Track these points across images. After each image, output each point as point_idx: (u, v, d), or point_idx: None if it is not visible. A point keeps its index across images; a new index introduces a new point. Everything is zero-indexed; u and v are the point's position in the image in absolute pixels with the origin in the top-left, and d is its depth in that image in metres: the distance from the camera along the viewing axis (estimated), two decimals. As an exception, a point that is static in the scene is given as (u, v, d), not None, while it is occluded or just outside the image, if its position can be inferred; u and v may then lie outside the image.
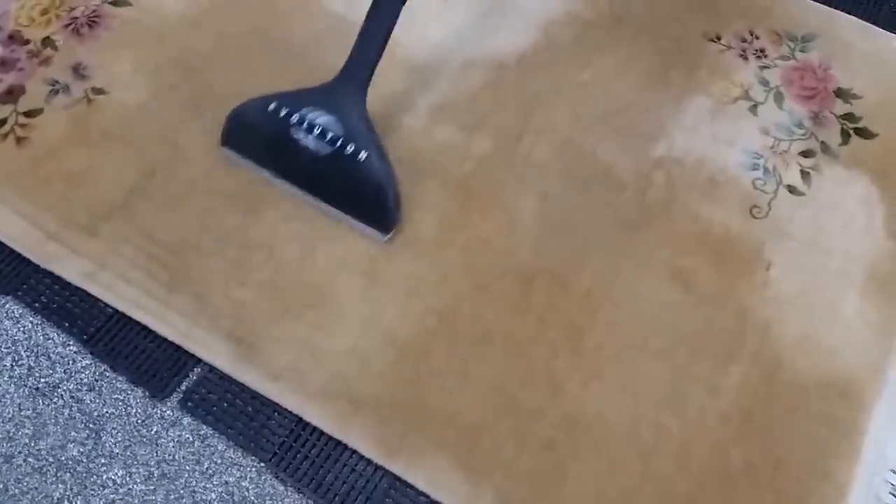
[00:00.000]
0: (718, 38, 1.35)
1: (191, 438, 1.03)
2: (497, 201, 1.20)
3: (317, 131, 1.15)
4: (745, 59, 1.33)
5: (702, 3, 1.40)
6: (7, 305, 1.13)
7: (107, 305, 1.11)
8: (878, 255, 1.15)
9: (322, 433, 1.02)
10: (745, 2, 1.41)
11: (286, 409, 1.03)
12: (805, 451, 1.00)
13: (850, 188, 1.20)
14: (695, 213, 1.18)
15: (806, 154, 1.23)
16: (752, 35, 1.36)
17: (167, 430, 1.03)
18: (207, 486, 1.00)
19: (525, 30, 1.38)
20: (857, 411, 1.03)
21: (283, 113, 1.17)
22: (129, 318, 1.10)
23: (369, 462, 1.00)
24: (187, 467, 1.01)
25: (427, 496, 0.98)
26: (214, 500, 0.99)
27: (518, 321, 1.10)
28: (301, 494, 0.99)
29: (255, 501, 0.99)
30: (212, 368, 1.07)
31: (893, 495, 0.97)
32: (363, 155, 1.14)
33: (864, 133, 1.25)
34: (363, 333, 1.09)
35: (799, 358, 1.07)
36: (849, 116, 1.27)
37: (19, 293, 1.13)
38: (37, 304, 1.12)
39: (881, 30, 1.39)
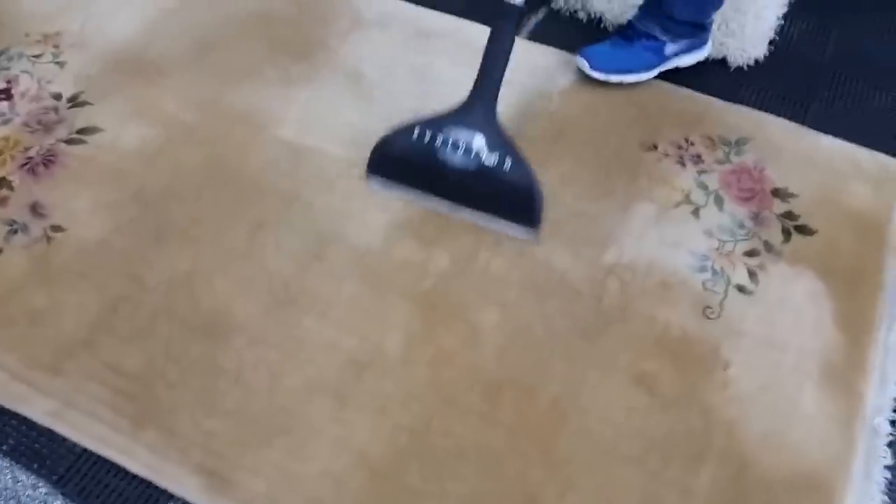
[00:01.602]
0: (655, 147, 1.48)
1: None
2: (459, 315, 1.27)
3: (462, 149, 1.32)
4: (683, 165, 1.45)
5: (636, 115, 1.53)
6: (-28, 451, 1.15)
7: (75, 444, 1.14)
8: (831, 348, 1.23)
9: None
10: (677, 111, 1.54)
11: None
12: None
13: (796, 285, 1.30)
14: (650, 317, 1.26)
15: (750, 254, 1.33)
16: (687, 142, 1.49)
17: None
18: None
19: None
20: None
21: (427, 137, 1.34)
22: (99, 456, 1.13)
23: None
24: None
25: None
26: None
27: (489, 433, 1.15)
28: None
29: None
30: (185, 502, 1.10)
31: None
32: (508, 163, 1.31)
33: (803, 230, 1.36)
34: (336, 455, 1.13)
35: (765, 456, 1.13)
36: (788, 215, 1.38)
37: (-15, 435, 1.16)
38: (4, 447, 1.14)
39: (809, 129, 1.53)
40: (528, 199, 1.33)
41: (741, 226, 1.37)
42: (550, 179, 1.40)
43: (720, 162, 1.46)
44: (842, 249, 1.34)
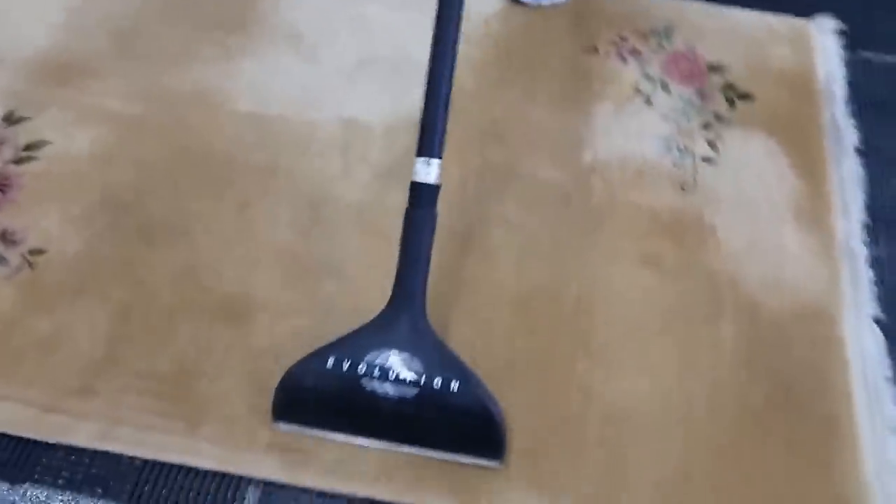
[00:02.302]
0: (596, 50, 1.56)
1: (273, 554, 1.07)
2: (467, 244, 1.32)
3: (392, 375, 1.07)
4: (625, 61, 1.55)
5: (572, 24, 1.60)
6: (28, 493, 1.10)
7: (133, 458, 1.13)
8: (796, 193, 1.38)
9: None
10: (608, 14, 1.63)
11: (354, 496, 1.10)
12: (806, 372, 1.19)
13: (751, 146, 1.43)
14: (637, 204, 1.36)
15: (705, 127, 1.45)
16: (622, 39, 1.58)
17: (246, 555, 1.06)
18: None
19: None
20: (832, 326, 1.24)
21: (346, 366, 1.08)
22: (163, 463, 1.13)
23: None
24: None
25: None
26: None
27: (529, 342, 1.22)
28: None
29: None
30: (266, 483, 1.11)
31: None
32: (454, 385, 1.07)
33: (744, 97, 1.49)
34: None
35: (769, 299, 1.26)
36: (727, 86, 1.51)
37: (36, 476, 1.11)
38: (60, 481, 1.11)
39: (723, 6, 1.66)
40: (487, 424, 1.09)
41: (690, 104, 1.48)
42: (514, 98, 1.47)
43: (655, 51, 1.56)
44: (781, 107, 1.48)
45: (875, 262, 1.31)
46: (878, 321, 1.25)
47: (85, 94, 1.47)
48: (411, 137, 1.41)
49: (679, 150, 1.42)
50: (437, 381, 1.07)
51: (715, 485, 1.09)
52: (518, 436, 1.13)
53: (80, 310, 1.24)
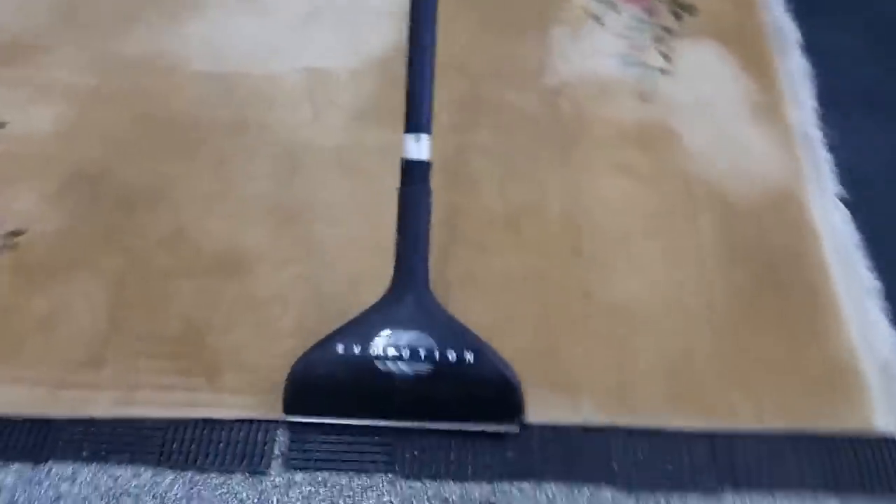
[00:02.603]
0: (545, -24, 1.61)
1: (313, 489, 1.08)
2: (451, 171, 1.35)
3: (406, 354, 1.07)
4: (572, -15, 1.61)
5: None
6: (53, 471, 1.09)
7: (156, 420, 1.13)
8: (750, 91, 1.46)
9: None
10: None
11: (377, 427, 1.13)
12: (783, 251, 1.27)
13: (703, 54, 1.51)
14: (605, 118, 1.42)
15: (657, 40, 1.52)
16: (567, -35, 1.63)
17: (287, 494, 1.08)
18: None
19: (388, 26, 1.54)
20: (800, 207, 1.32)
21: (357, 350, 1.08)
22: (186, 421, 1.13)
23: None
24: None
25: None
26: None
27: (524, 257, 1.26)
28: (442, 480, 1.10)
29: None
30: (294, 422, 1.13)
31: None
32: (469, 356, 1.07)
33: (689, 10, 1.57)
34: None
35: (740, 191, 1.34)
36: (672, 1, 1.58)
37: (58, 453, 1.10)
38: (84, 454, 1.10)
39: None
40: (506, 391, 1.10)
41: (640, 21, 1.54)
42: (472, 27, 1.50)
43: (600, -27, 1.63)
44: (724, 16, 1.57)
45: (830, 145, 1.41)
46: (840, 198, 1.34)
47: (36, 71, 1.44)
48: (377, 79, 1.46)
49: (636, 64, 1.48)
50: (452, 355, 1.07)
51: (717, 361, 1.17)
52: (533, 342, 1.18)
53: (73, 284, 1.22)
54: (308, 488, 1.09)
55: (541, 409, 1.13)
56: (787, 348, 1.18)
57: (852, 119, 1.45)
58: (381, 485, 1.09)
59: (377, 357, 1.07)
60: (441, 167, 1.32)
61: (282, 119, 1.40)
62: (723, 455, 1.11)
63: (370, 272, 1.22)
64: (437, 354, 1.07)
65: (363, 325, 1.10)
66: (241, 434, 1.12)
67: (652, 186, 1.34)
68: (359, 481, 1.09)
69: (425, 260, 1.12)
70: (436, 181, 1.18)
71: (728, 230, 1.30)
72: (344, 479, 1.10)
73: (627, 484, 1.09)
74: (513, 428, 1.12)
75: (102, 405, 1.12)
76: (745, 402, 1.14)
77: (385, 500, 1.08)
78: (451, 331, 1.10)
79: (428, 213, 1.13)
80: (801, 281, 1.25)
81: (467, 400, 1.10)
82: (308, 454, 1.11)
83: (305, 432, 1.12)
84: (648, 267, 1.26)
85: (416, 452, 1.11)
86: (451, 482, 1.09)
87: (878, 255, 1.28)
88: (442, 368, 1.07)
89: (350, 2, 1.56)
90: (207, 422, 1.12)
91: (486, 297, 1.22)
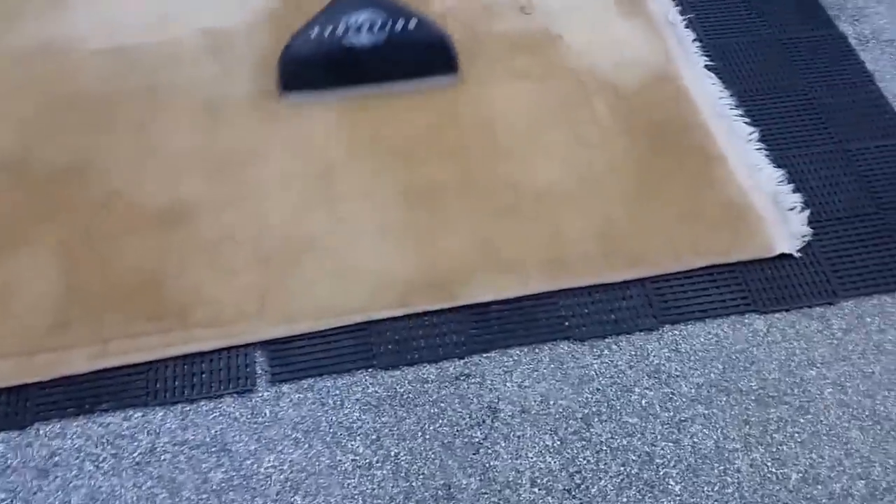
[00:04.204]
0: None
1: (301, 395, 1.16)
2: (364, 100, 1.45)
3: (366, 28, 1.35)
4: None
5: None
6: (41, 431, 1.12)
7: (135, 365, 1.17)
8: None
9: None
10: None
11: (356, 325, 1.21)
12: (670, 120, 1.44)
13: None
14: (495, 33, 1.55)
15: (522, -41, 1.66)
16: None
17: (278, 404, 1.15)
18: (349, 412, 1.15)
19: None
20: (676, 81, 1.49)
21: (328, 31, 1.35)
22: (164, 361, 1.18)
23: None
24: (323, 417, 1.14)
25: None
26: (355, 422, 1.15)
27: (454, 166, 1.37)
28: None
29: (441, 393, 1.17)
30: (267, 342, 1.20)
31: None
32: (412, 22, 1.37)
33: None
34: (358, 244, 1.29)
35: (623, 77, 1.50)
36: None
37: (41, 414, 1.13)
38: (70, 409, 1.14)
39: None
40: (443, 47, 1.43)
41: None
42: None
43: None
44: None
45: (690, 24, 1.59)
46: (708, 66, 1.53)
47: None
48: (271, 31, 1.53)
49: (509, -18, 1.63)
50: (399, 24, 1.37)
51: (634, 220, 1.32)
52: (474, 235, 1.30)
53: (20, 259, 1.24)
54: (297, 395, 1.17)
55: (494, 289, 1.25)
56: (690, 199, 1.35)
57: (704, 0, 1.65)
58: (364, 379, 1.18)
59: (343, 35, 1.36)
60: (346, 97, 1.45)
61: (191, 78, 1.46)
62: (655, 297, 1.26)
63: (308, 201, 1.33)
64: (388, 25, 1.37)
65: (329, 13, 1.37)
66: (222, 362, 1.19)
67: (548, 84, 1.48)
68: (342, 380, 1.18)
69: None
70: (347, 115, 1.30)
71: (620, 110, 1.45)
72: (329, 382, 1.18)
73: (580, 336, 1.22)
74: (454, 78, 1.45)
75: (78, 362, 1.16)
76: (664, 248, 1.29)
77: (370, 391, 1.17)
78: (393, 6, 1.39)
79: None
80: (689, 142, 1.42)
81: (416, 58, 1.41)
82: (290, 366, 1.18)
83: (283, 349, 1.20)
84: (560, 152, 1.40)
85: (389, 346, 1.21)
86: (427, 364, 1.20)
87: (748, 108, 1.47)
88: (393, 36, 1.37)
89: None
90: (187, 357, 1.18)
91: (424, 203, 1.33)
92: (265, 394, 1.17)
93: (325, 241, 1.29)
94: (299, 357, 1.20)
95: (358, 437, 1.13)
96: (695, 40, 1.56)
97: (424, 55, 1.42)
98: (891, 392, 1.18)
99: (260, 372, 1.19)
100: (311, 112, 1.43)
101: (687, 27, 1.58)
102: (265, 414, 1.15)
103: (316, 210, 1.32)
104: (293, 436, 1.13)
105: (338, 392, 1.18)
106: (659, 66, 1.52)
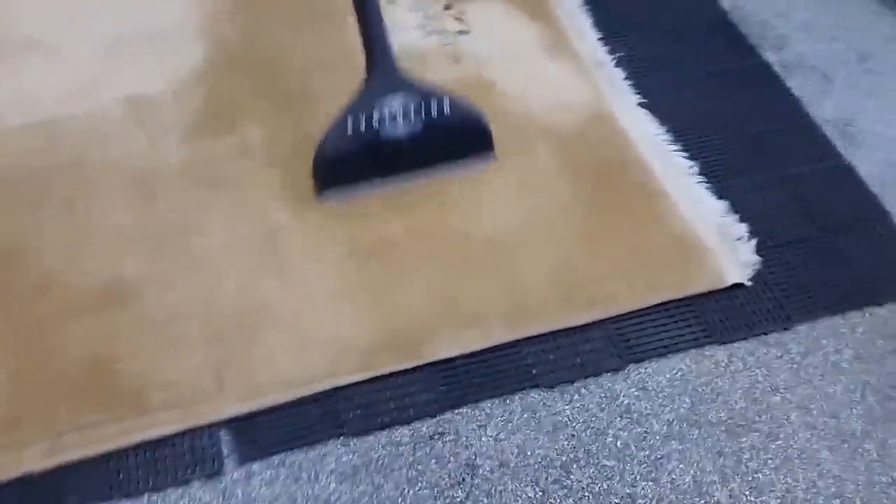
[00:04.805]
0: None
1: (273, 472, 1.16)
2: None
3: (401, 116, 1.35)
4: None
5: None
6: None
7: (92, 458, 1.16)
8: (540, 34, 1.71)
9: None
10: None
11: (320, 393, 1.23)
12: (610, 160, 1.52)
13: (491, 12, 1.74)
14: (432, 81, 1.60)
15: (447, 8, 1.73)
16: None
17: (249, 484, 1.15)
18: (324, 485, 1.15)
19: (189, 45, 1.65)
20: (612, 121, 1.57)
21: (363, 124, 1.35)
22: (124, 448, 1.17)
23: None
24: (298, 493, 1.15)
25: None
26: None
27: (407, 220, 1.41)
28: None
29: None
30: (230, 419, 1.20)
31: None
32: (447, 105, 1.38)
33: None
34: (316, 303, 1.31)
35: (560, 120, 1.58)
36: (449, -27, 1.81)
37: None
38: (28, 510, 1.12)
39: None
40: (480, 127, 1.44)
41: (425, -7, 1.77)
42: (281, 42, 1.64)
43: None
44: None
45: (619, 63, 1.69)
46: (641, 104, 1.62)
47: None
48: (202, 95, 1.55)
49: (436, 32, 1.68)
50: (434, 108, 1.37)
51: (586, 261, 1.38)
52: (431, 291, 1.34)
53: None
54: (268, 473, 1.17)
55: (457, 344, 1.29)
56: (638, 236, 1.42)
57: (629, 38, 1.74)
58: (336, 448, 1.20)
59: (378, 125, 1.35)
60: (289, 155, 1.47)
61: (119, 149, 1.46)
62: (617, 337, 1.32)
63: (256, 268, 1.35)
64: (423, 109, 1.37)
65: (361, 103, 1.37)
66: (186, 445, 1.18)
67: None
68: (314, 452, 1.19)
69: (388, 43, 1.41)
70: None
71: (561, 153, 1.52)
72: (300, 455, 1.19)
73: (548, 382, 1.27)
74: (492, 156, 1.46)
75: (33, 460, 1.14)
76: (619, 287, 1.36)
77: (344, 460, 1.19)
78: (425, 89, 1.40)
79: (378, 10, 1.43)
80: (631, 180, 1.50)
81: (456, 141, 1.43)
82: (258, 443, 1.19)
83: (248, 426, 1.20)
84: (507, 199, 1.46)
85: (358, 411, 1.23)
86: (399, 426, 1.22)
87: (684, 142, 1.57)
88: (430, 121, 1.38)
89: (143, 30, 1.65)
90: (149, 444, 1.18)
91: (375, 260, 1.36)
92: (235, 474, 1.17)
93: (278, 309, 1.30)
94: (266, 432, 1.20)
95: (337, 513, 1.16)
96: (625, 79, 1.65)
97: (463, 137, 1.44)
98: (853, 409, 1.27)
99: (227, 452, 1.18)
100: (251, 175, 1.45)
101: (616, 66, 1.67)
102: (237, 496, 1.15)
103: (265, 278, 1.33)
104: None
105: (310, 464, 1.18)
106: (593, 107, 1.60)
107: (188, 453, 1.17)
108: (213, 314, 1.29)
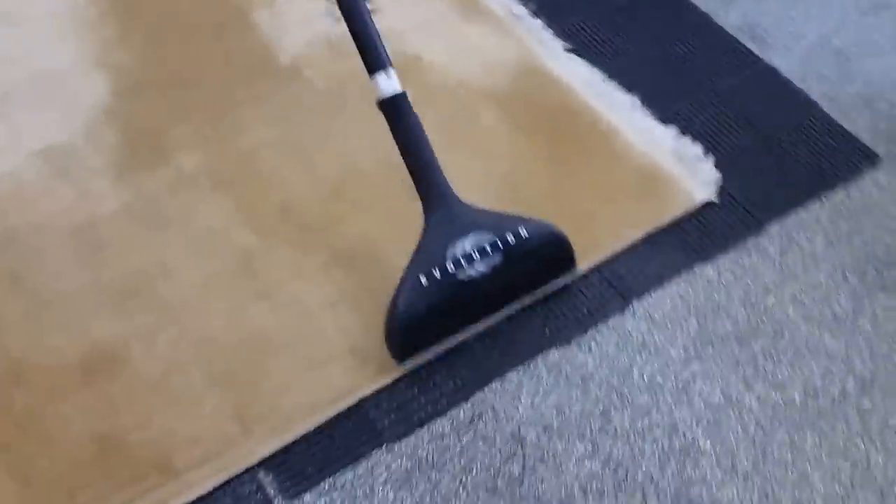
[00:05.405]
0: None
1: (327, 499, 1.17)
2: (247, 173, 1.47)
3: (476, 255, 1.25)
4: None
5: None
6: None
7: None
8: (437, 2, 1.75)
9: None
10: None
11: (349, 409, 1.25)
12: (553, 109, 1.58)
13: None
14: (352, 71, 1.49)
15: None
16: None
17: None
18: (383, 496, 1.18)
19: (87, 81, 1.58)
20: (544, 69, 1.63)
21: (438, 275, 1.24)
22: None
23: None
24: None
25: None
26: None
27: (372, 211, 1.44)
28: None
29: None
30: (266, 459, 1.20)
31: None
32: (522, 231, 1.28)
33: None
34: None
35: (494, 79, 1.61)
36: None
37: None
38: None
39: None
40: (561, 244, 1.35)
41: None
42: (185, 57, 1.60)
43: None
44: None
45: (536, 14, 1.74)
46: (567, 49, 1.69)
47: None
48: (118, 131, 1.50)
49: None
50: (510, 237, 1.27)
51: (565, 214, 1.41)
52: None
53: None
54: (322, 500, 1.18)
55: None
56: (603, 178, 1.49)
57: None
58: (382, 458, 1.21)
59: (454, 272, 1.25)
60: (234, 175, 1.46)
61: (50, 209, 1.40)
62: (615, 278, 1.40)
63: (241, 299, 1.33)
64: (499, 243, 1.27)
65: (429, 252, 1.26)
66: (227, 499, 1.17)
67: (427, 108, 1.52)
68: (361, 468, 1.21)
69: (442, 174, 1.30)
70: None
71: (506, 115, 1.57)
72: (348, 475, 1.20)
73: (564, 338, 1.33)
74: (576, 272, 1.39)
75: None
76: (600, 232, 1.43)
77: (393, 467, 1.21)
78: (494, 219, 1.30)
79: (424, 134, 1.30)
80: (580, 126, 1.56)
81: (539, 267, 1.35)
82: (301, 475, 1.19)
83: (286, 461, 1.20)
84: (469, 173, 1.47)
85: (392, 415, 1.25)
86: (437, 419, 1.25)
87: (619, 78, 1.65)
88: (509, 252, 1.28)
89: (33, 78, 1.58)
90: (186, 506, 1.16)
91: (357, 263, 1.38)
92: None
93: (277, 335, 1.30)
94: (306, 461, 1.21)
95: (402, 521, 1.18)
96: (545, 28, 1.71)
97: (547, 260, 1.36)
98: (840, 292, 1.39)
99: (272, 492, 1.18)
100: (199, 204, 1.42)
101: (534, 17, 1.73)
102: None
103: (253, 306, 1.32)
104: None
105: (362, 481, 1.20)
106: (523, 62, 1.65)
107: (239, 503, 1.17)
108: (210, 357, 1.27)
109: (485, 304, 1.33)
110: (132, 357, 1.26)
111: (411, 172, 1.31)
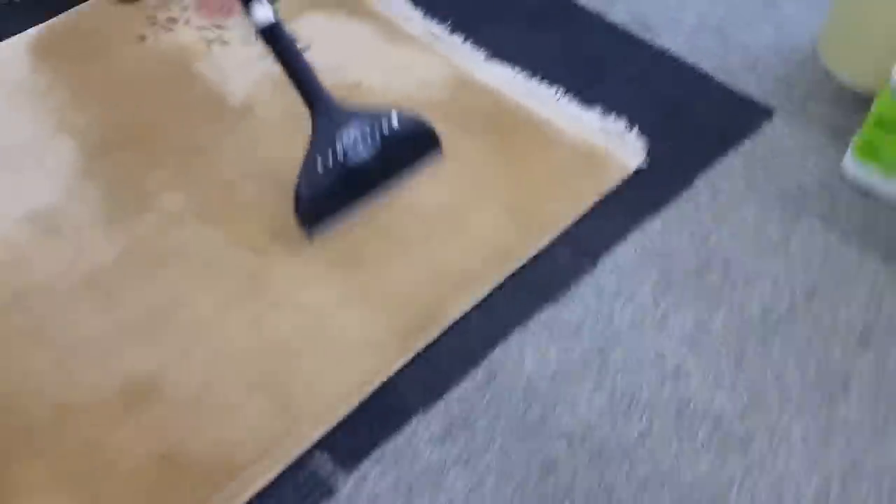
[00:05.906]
0: (144, 37, 1.92)
1: (382, 468, 1.33)
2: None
3: (361, 141, 1.57)
4: (170, 30, 1.94)
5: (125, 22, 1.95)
6: None
7: None
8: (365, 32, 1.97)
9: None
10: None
11: (380, 386, 1.41)
12: (485, 111, 1.81)
13: (318, 24, 1.97)
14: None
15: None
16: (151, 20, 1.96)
17: (365, 483, 1.31)
18: (428, 455, 1.34)
19: (59, 147, 1.70)
20: (467, 75, 1.87)
21: (331, 160, 1.54)
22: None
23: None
24: (409, 471, 1.33)
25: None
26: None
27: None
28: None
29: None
30: (316, 444, 1.35)
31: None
32: (394, 117, 1.61)
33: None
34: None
35: (432, 97, 1.84)
36: None
37: None
38: None
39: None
40: (427, 130, 1.68)
41: (239, 21, 1.95)
42: (143, 108, 1.73)
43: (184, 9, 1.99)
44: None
45: (455, 27, 1.99)
46: (489, 56, 1.93)
47: None
48: (98, 186, 1.64)
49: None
50: (384, 125, 1.60)
51: (518, 199, 1.67)
52: (414, 261, 1.57)
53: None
54: (377, 468, 1.33)
55: (465, 300, 1.52)
56: (547, 163, 1.73)
57: (448, 8, 2.05)
58: (420, 423, 1.39)
59: (345, 157, 1.57)
60: (218, 208, 1.62)
61: (49, 270, 1.52)
62: (579, 244, 1.63)
63: (255, 308, 1.49)
64: (376, 131, 1.59)
65: (322, 142, 1.56)
66: (290, 484, 1.31)
67: None
68: (403, 436, 1.37)
69: (321, 83, 1.60)
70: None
71: (449, 120, 1.76)
72: (394, 443, 1.36)
73: (552, 298, 1.55)
74: (439, 152, 1.71)
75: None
76: (557, 208, 1.66)
77: (432, 428, 1.38)
78: (368, 112, 1.61)
79: (301, 52, 1.61)
80: (518, 123, 1.80)
81: (410, 149, 1.68)
82: (352, 450, 1.35)
83: (335, 441, 1.35)
84: (434, 170, 1.70)
85: (421, 385, 1.43)
86: (460, 382, 1.43)
87: (540, 74, 1.91)
88: (385, 138, 1.61)
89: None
90: (261, 497, 1.29)
91: (356, 257, 1.55)
92: (350, 484, 1.32)
93: (297, 339, 1.45)
94: (353, 438, 1.36)
95: (451, 471, 1.34)
96: (464, 42, 1.95)
97: (416, 143, 1.69)
98: (768, 223, 1.67)
99: (331, 468, 1.33)
100: (193, 240, 1.57)
101: (451, 33, 1.97)
102: (363, 498, 1.30)
103: (269, 317, 1.47)
104: (398, 502, 1.31)
105: (407, 444, 1.36)
106: (453, 76, 1.89)
107: (298, 488, 1.30)
108: (241, 367, 1.41)
109: (370, 181, 1.64)
110: (167, 382, 1.39)
111: (297, 85, 1.59)
